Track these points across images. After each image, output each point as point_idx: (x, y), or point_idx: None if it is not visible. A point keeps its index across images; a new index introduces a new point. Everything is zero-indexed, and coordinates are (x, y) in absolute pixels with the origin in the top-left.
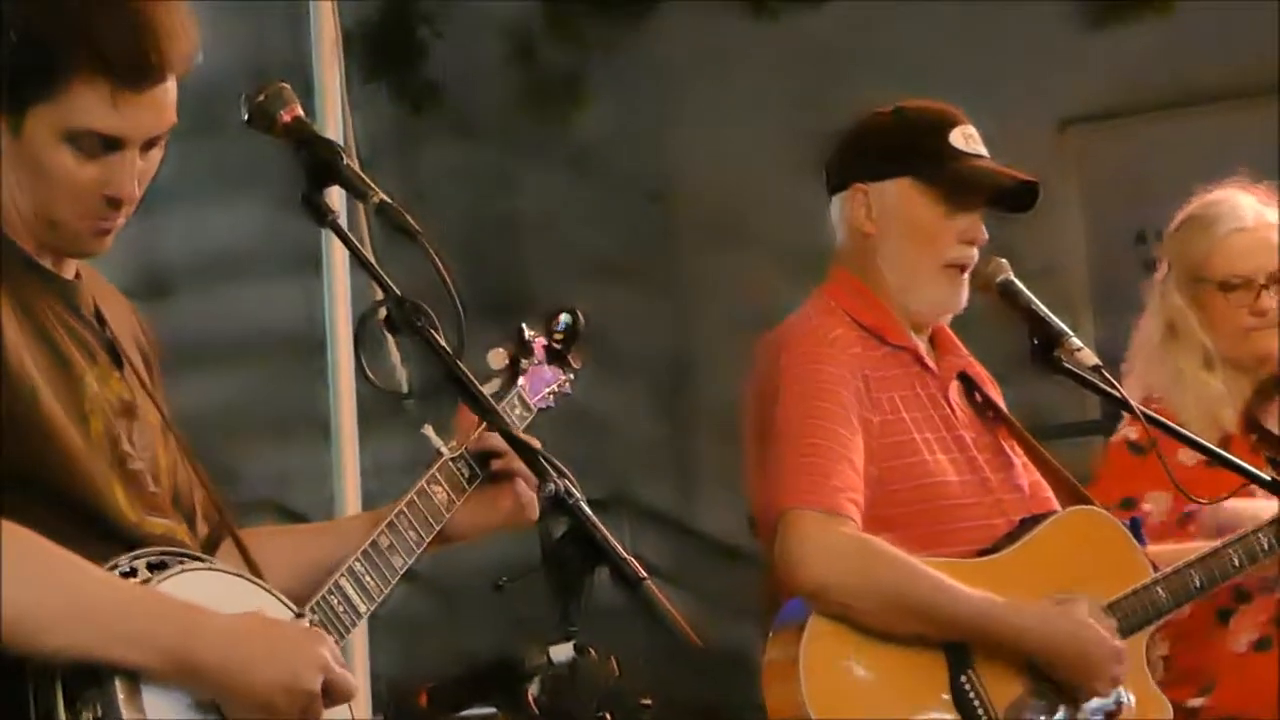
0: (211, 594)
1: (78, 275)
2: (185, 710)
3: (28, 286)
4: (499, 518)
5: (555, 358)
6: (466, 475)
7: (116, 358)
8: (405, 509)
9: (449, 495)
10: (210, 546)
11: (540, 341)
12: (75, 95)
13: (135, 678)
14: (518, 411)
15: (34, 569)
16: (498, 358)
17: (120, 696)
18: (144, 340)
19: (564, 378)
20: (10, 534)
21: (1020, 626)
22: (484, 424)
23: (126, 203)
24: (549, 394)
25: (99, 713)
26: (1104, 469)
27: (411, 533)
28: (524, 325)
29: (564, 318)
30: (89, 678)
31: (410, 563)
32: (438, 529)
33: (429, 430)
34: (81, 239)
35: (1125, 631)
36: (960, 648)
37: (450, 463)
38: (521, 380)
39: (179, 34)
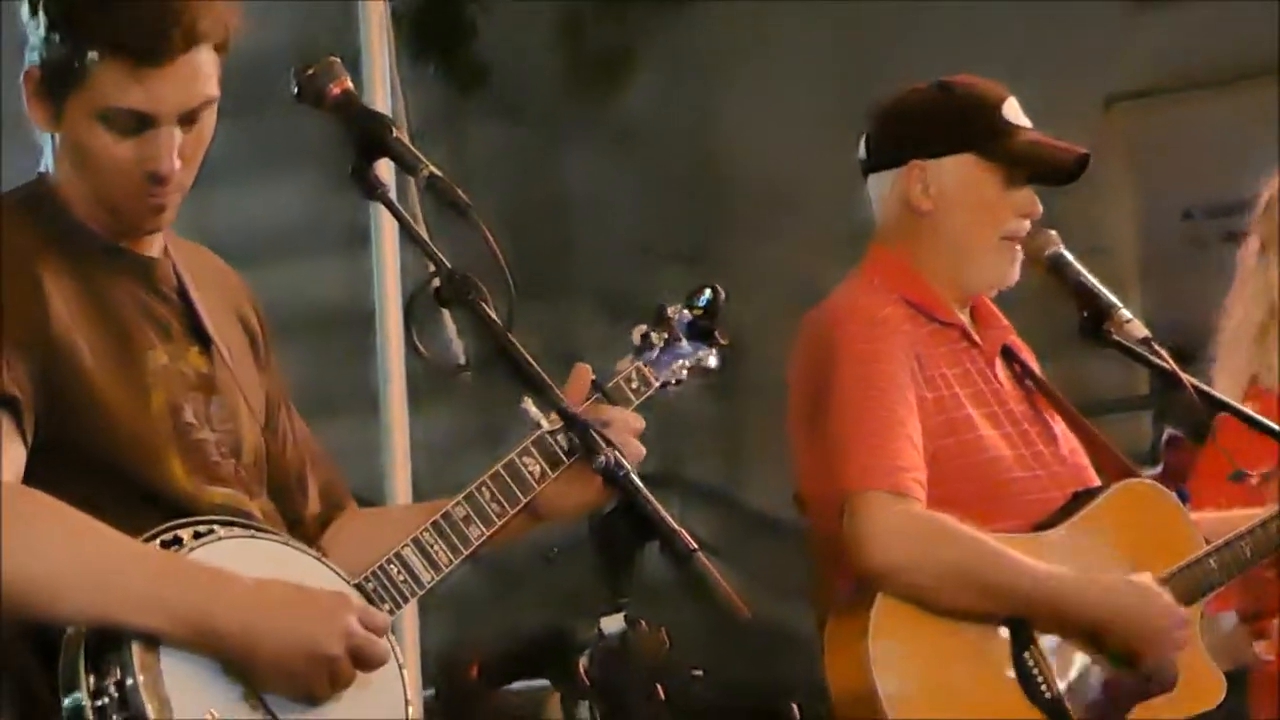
0: (251, 561)
1: (167, 253)
2: (212, 676)
3: (92, 263)
4: (595, 494)
5: (698, 334)
6: (565, 450)
7: (198, 333)
8: (489, 480)
9: (543, 469)
10: (321, 524)
11: (683, 317)
12: (100, 75)
13: (155, 642)
14: (634, 386)
15: (51, 533)
16: (636, 333)
17: (137, 660)
18: (251, 315)
19: (704, 353)
20: (30, 499)
21: (1088, 598)
22: (592, 398)
23: (168, 177)
24: (682, 368)
25: (119, 676)
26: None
27: (495, 504)
28: (665, 303)
29: (705, 293)
30: (112, 641)
31: (488, 535)
32: (525, 501)
33: (528, 404)
34: (138, 216)
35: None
36: (1023, 624)
37: (548, 436)
38: (647, 355)
39: (199, 6)
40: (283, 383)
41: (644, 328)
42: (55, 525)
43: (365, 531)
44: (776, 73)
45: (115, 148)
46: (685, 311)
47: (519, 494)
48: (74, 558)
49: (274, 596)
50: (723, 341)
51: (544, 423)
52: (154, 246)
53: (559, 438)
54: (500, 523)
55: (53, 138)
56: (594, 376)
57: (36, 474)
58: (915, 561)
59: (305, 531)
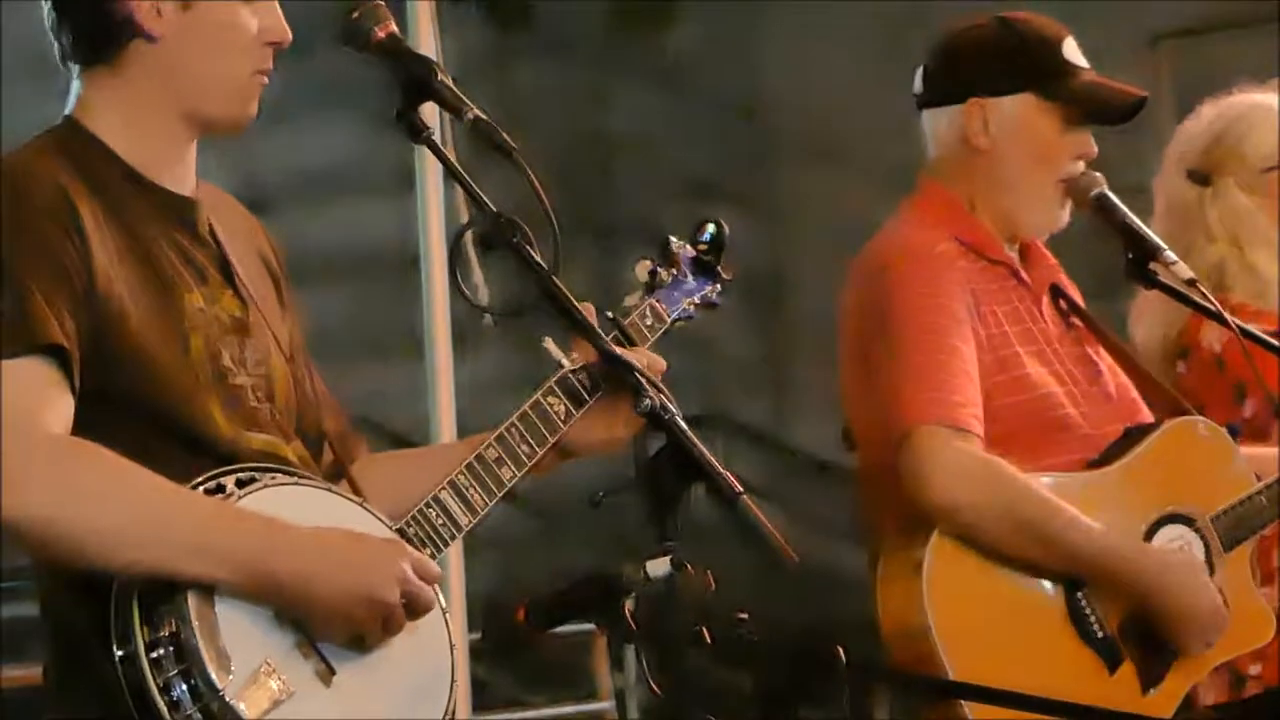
0: (298, 508)
1: (196, 194)
2: (265, 625)
3: (132, 203)
4: (621, 429)
5: (703, 269)
6: (588, 387)
7: (231, 277)
8: (517, 421)
9: (567, 407)
10: (335, 470)
11: (686, 253)
12: None
13: (210, 591)
14: (649, 322)
15: (105, 483)
16: (642, 269)
17: (193, 610)
18: (272, 258)
19: (709, 288)
20: (82, 449)
21: (1140, 567)
22: (610, 335)
23: (286, 45)
24: (689, 305)
25: (174, 627)
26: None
27: (524, 445)
28: (670, 237)
29: (709, 228)
30: (166, 593)
31: (520, 475)
32: (553, 441)
33: (549, 343)
34: (248, 99)
35: (1230, 544)
36: None
37: (570, 375)
38: (658, 291)
39: None
40: (299, 325)
41: (650, 263)
42: (107, 475)
43: (387, 475)
44: (822, 9)
45: (251, 19)
46: (689, 247)
47: (546, 434)
48: (128, 508)
49: (330, 544)
50: (726, 276)
51: (565, 362)
52: (188, 186)
53: (580, 376)
54: (531, 463)
55: (80, 82)
56: (610, 314)
57: (81, 422)
58: (974, 502)
59: (331, 465)
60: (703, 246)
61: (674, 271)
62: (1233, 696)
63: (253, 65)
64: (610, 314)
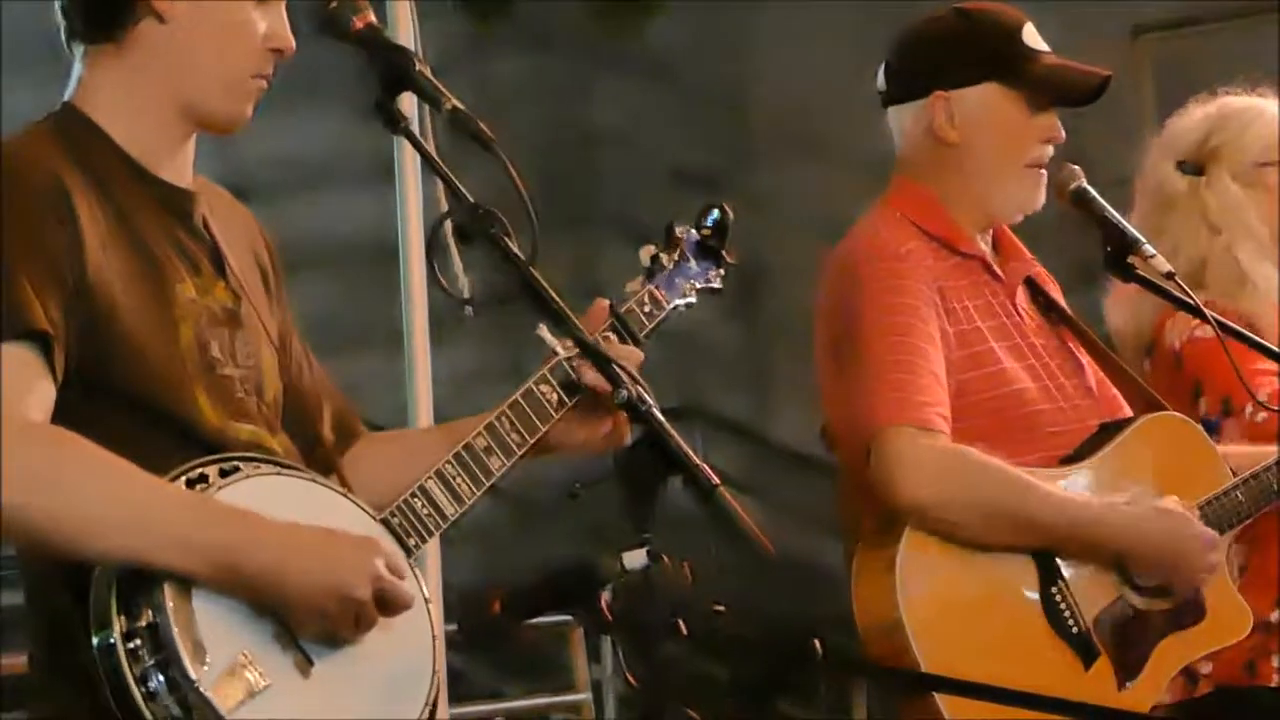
0: (280, 499)
1: (193, 187)
2: (243, 616)
3: (127, 191)
4: (606, 429)
5: (706, 252)
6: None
7: (223, 268)
8: (508, 410)
9: (560, 395)
10: (338, 451)
11: (691, 236)
12: None
13: (187, 584)
14: (647, 309)
15: (82, 472)
16: (645, 253)
17: (169, 601)
18: (264, 252)
19: (712, 272)
20: (60, 437)
21: (1115, 525)
22: (606, 324)
23: (289, 54)
24: (691, 289)
25: (151, 618)
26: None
27: (514, 435)
28: (674, 223)
29: (713, 212)
30: (143, 583)
31: (510, 465)
32: (544, 429)
33: (544, 330)
34: (244, 102)
35: None
36: (1049, 559)
37: (565, 362)
38: (658, 277)
39: None
40: (290, 315)
41: (653, 248)
42: (84, 466)
43: (384, 459)
44: (804, 3)
45: (260, 20)
46: (693, 231)
47: (538, 423)
48: (104, 499)
49: (303, 540)
50: (730, 260)
51: (560, 349)
52: (185, 178)
53: (575, 364)
54: (520, 453)
55: (83, 66)
56: (609, 303)
57: (68, 408)
58: (944, 496)
59: (324, 457)
60: (706, 231)
61: (676, 257)
62: (1187, 695)
63: (254, 67)
64: (609, 302)
